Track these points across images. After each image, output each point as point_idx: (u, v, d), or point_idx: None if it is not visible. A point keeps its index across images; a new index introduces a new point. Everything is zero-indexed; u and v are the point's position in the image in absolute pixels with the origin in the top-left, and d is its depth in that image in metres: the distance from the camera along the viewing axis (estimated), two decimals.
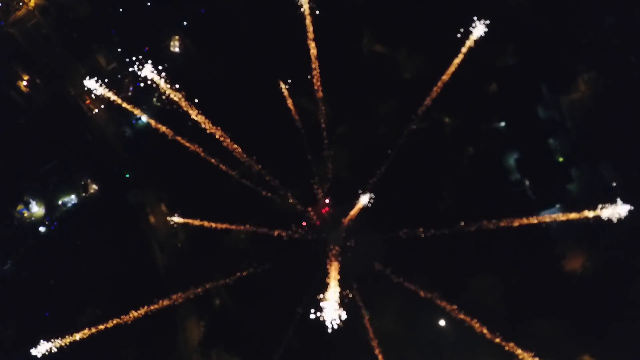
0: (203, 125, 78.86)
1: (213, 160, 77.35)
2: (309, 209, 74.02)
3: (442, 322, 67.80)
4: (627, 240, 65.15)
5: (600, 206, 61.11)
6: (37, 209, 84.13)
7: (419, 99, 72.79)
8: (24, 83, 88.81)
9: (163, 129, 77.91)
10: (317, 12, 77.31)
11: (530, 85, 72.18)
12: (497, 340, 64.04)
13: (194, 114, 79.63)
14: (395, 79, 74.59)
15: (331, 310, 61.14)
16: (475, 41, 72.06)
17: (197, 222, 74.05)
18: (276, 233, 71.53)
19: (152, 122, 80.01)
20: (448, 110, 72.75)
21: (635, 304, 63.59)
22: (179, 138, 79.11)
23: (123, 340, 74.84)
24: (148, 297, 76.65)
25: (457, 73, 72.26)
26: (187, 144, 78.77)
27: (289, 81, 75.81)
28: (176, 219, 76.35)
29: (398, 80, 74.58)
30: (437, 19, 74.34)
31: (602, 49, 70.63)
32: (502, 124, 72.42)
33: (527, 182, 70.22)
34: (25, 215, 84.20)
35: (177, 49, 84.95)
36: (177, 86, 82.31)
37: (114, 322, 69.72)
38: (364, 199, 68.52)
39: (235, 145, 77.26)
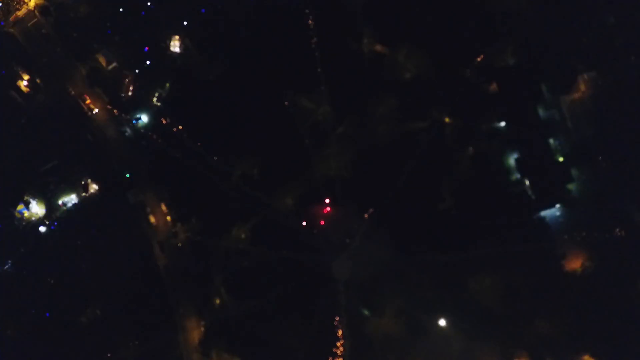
0: (202, 125, 79.14)
1: (213, 160, 77.57)
2: (309, 208, 74.07)
3: (442, 322, 67.90)
4: (627, 240, 65.19)
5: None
6: (37, 209, 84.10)
7: (419, 99, 73.12)
8: (24, 83, 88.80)
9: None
10: (318, 12, 77.88)
11: (530, 85, 72.14)
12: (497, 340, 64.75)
13: (193, 114, 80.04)
14: (395, 79, 74.47)
15: None
16: (476, 41, 72.75)
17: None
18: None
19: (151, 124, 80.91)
20: (448, 110, 72.69)
21: (635, 304, 63.54)
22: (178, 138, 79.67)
23: (124, 340, 75.04)
24: (148, 297, 77.37)
25: (458, 73, 72.70)
26: (187, 144, 79.15)
27: (289, 80, 76.04)
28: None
29: (398, 80, 74.45)
30: (438, 19, 74.29)
31: (602, 49, 70.59)
32: (502, 124, 72.36)
33: (527, 182, 70.16)
34: (26, 215, 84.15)
35: (177, 49, 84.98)
36: (177, 86, 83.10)
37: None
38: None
39: (235, 144, 77.44)
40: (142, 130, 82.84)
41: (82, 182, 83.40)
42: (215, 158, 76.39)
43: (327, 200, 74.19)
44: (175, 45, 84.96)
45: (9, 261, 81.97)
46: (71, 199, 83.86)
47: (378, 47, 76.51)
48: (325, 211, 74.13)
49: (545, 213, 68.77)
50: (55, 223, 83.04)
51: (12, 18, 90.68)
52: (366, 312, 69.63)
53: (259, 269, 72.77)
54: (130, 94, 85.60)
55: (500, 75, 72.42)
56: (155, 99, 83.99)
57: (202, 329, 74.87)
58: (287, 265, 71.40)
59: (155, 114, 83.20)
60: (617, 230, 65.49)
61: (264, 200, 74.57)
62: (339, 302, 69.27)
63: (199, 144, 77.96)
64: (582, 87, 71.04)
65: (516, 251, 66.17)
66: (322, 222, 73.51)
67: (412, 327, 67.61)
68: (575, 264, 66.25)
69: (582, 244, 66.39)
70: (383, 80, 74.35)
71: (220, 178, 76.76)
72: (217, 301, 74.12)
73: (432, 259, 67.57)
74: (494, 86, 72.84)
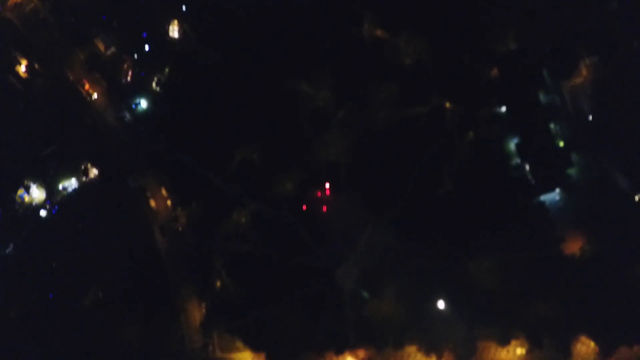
0: (201, 110, 78.83)
1: (212, 144, 77.42)
2: (310, 193, 74.09)
3: (440, 304, 68.30)
4: (625, 224, 65.40)
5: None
6: (37, 193, 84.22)
7: (419, 84, 72.81)
8: (23, 68, 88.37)
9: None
10: None
11: (531, 70, 71.86)
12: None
13: (192, 99, 79.74)
14: (396, 64, 74.08)
15: None
16: (477, 26, 72.35)
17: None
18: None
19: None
20: (449, 95, 72.48)
21: (632, 287, 63.91)
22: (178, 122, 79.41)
23: (126, 322, 75.47)
24: (149, 279, 77.70)
25: (458, 58, 72.34)
26: (186, 128, 78.94)
27: (289, 65, 75.60)
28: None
29: (399, 65, 74.06)
30: (439, 4, 73.72)
31: (604, 34, 70.31)
32: (503, 109, 72.23)
33: (527, 167, 70.22)
34: (26, 199, 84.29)
35: (176, 34, 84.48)
36: (176, 71, 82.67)
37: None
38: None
39: (234, 130, 77.18)
40: (141, 116, 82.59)
41: (82, 167, 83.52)
42: (214, 145, 75.70)
43: (327, 185, 74.22)
44: (174, 30, 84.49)
45: (11, 244, 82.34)
46: (71, 184, 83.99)
47: (378, 32, 76.05)
48: (325, 194, 74.12)
49: (545, 197, 68.90)
50: (56, 207, 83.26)
51: (9, 3, 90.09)
52: (365, 295, 70.03)
53: (260, 258, 72.54)
54: (129, 79, 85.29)
55: (501, 60, 72.06)
56: (154, 84, 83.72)
57: (203, 310, 75.42)
58: (289, 270, 70.83)
59: (154, 99, 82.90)
60: (616, 214, 65.66)
61: (264, 185, 74.42)
62: (345, 314, 69.05)
63: (196, 130, 77.34)
64: (584, 72, 70.92)
65: (515, 235, 66.20)
66: (324, 208, 73.59)
67: (410, 308, 67.92)
68: (574, 247, 66.57)
69: (581, 228, 66.60)
70: (383, 66, 73.87)
71: (220, 164, 76.42)
72: (218, 284, 74.51)
73: (435, 262, 67.50)
74: (494, 71, 72.62)
